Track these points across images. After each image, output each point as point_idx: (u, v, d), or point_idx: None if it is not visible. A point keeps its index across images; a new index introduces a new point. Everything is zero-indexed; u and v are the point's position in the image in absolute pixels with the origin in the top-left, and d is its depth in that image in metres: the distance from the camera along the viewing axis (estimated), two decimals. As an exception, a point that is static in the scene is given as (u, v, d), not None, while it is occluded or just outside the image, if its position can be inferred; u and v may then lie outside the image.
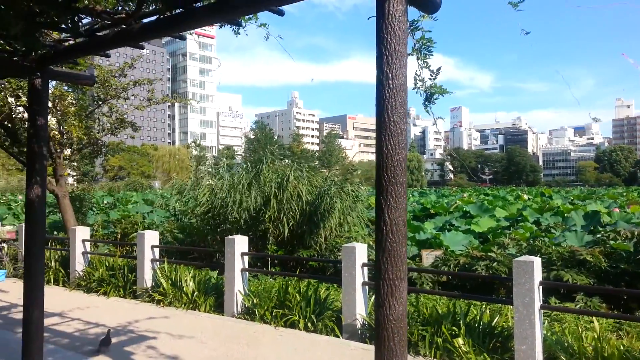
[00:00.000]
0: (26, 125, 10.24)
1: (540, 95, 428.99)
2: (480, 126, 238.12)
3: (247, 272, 7.87)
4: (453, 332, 5.65)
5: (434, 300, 7.26)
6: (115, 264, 9.54)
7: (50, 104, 11.39)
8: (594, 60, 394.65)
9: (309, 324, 6.72)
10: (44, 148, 4.68)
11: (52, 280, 10.14)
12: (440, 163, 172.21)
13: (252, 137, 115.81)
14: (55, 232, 14.61)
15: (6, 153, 13.23)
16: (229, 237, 7.87)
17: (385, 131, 2.74)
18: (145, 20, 3.96)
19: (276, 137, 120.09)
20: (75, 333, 6.70)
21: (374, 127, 2.93)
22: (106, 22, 4.02)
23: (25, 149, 10.03)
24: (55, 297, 8.63)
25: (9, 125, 11.92)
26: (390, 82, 2.72)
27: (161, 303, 8.17)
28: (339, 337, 6.43)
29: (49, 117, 10.77)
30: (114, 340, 6.04)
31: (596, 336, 5.16)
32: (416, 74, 4.02)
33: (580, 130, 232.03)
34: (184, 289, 8.13)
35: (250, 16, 4.23)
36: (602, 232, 10.18)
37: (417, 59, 3.97)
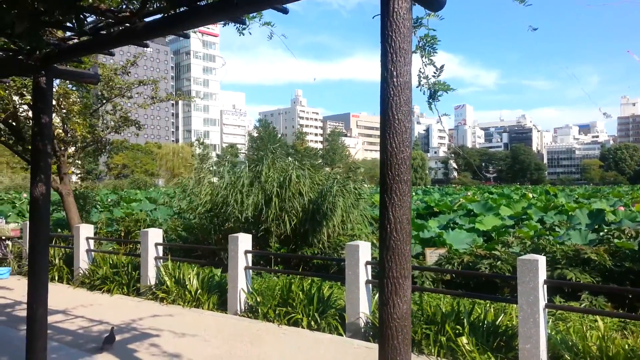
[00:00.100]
0: (30, 124, 10.30)
1: (545, 93, 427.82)
2: (484, 124, 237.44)
3: (251, 270, 7.88)
4: (457, 331, 5.64)
5: (437, 299, 7.25)
6: (119, 262, 9.56)
7: (54, 102, 11.43)
8: (598, 57, 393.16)
9: (312, 323, 6.71)
10: (48, 146, 4.69)
11: (56, 278, 10.18)
12: (444, 161, 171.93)
13: (256, 135, 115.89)
14: (59, 230, 14.66)
15: (11, 151, 13.27)
16: (233, 235, 7.87)
17: (389, 129, 2.73)
18: (149, 19, 3.96)
19: (280, 136, 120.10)
20: (79, 330, 6.72)
21: (377, 126, 2.92)
22: (110, 20, 4.02)
23: (29, 147, 10.07)
24: (59, 295, 8.67)
25: (14, 123, 11.96)
26: (394, 79, 2.71)
27: (165, 301, 8.18)
28: (342, 335, 6.43)
29: (53, 115, 10.81)
30: (117, 337, 6.05)
31: (601, 335, 5.14)
32: (420, 72, 4.01)
33: (585, 128, 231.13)
34: (188, 287, 8.14)
35: (254, 14, 4.23)
36: (606, 231, 10.15)
37: (421, 57, 3.95)
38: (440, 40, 3.81)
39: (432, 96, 4.06)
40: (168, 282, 8.35)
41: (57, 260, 10.51)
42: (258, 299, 7.39)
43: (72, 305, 8.10)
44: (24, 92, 10.86)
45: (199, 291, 8.05)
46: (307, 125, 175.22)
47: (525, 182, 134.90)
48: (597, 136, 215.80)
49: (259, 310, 7.21)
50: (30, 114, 11.39)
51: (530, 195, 33.02)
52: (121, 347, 5.96)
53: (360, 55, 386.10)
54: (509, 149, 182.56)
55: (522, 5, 3.83)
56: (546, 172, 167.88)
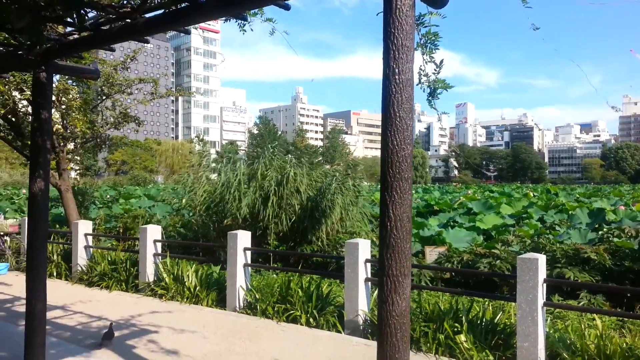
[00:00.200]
0: (30, 119, 10.28)
1: (547, 91, 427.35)
2: (485, 122, 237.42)
3: (250, 268, 7.88)
4: (455, 329, 5.64)
5: (436, 297, 7.25)
6: (117, 258, 9.56)
7: (54, 98, 11.41)
8: (600, 57, 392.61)
9: (311, 320, 6.72)
10: (48, 142, 4.68)
11: (55, 274, 10.17)
12: (444, 159, 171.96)
13: (256, 132, 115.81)
14: (57, 226, 14.66)
15: (10, 147, 13.26)
16: (232, 232, 7.87)
17: (391, 127, 2.72)
18: (150, 15, 3.95)
19: (280, 133, 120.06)
20: (78, 326, 6.72)
21: (378, 123, 2.92)
22: (111, 16, 4.01)
23: (28, 143, 10.05)
24: (57, 291, 8.66)
25: (13, 119, 11.95)
26: (396, 77, 2.70)
27: (163, 297, 8.19)
28: (340, 332, 6.43)
29: (53, 111, 10.79)
30: (116, 333, 6.05)
31: (599, 334, 5.14)
32: (420, 69, 4.01)
33: (586, 127, 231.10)
34: (186, 283, 8.14)
35: (256, 10, 4.22)
36: (606, 230, 10.15)
37: (423, 54, 3.95)
38: (442, 37, 3.81)
39: (432, 94, 4.06)
40: (167, 279, 8.35)
41: (55, 257, 10.51)
42: (257, 296, 7.39)
43: (70, 301, 8.10)
44: (24, 88, 10.84)
45: (197, 288, 8.06)
46: (307, 123, 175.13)
47: (526, 181, 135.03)
48: (599, 135, 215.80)
49: (258, 307, 7.21)
50: (29, 109, 11.37)
51: (531, 194, 33.04)
52: (120, 343, 5.96)
53: (362, 52, 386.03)
54: (510, 147, 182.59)
55: (523, 5, 3.83)
56: (547, 171, 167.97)
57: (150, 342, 6.03)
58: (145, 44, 5.01)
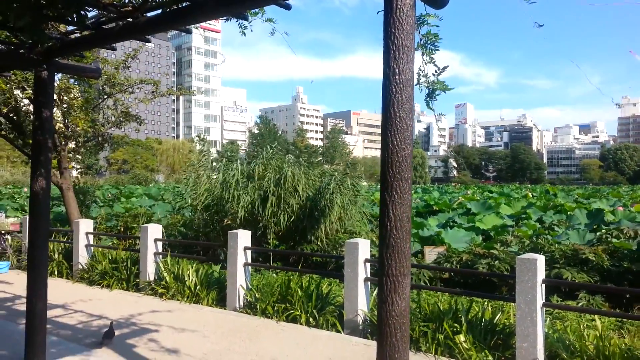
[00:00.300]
0: (31, 118, 10.29)
1: (546, 92, 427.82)
2: (485, 123, 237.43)
3: (250, 267, 7.89)
4: (455, 329, 5.66)
5: (435, 297, 7.26)
6: (118, 257, 9.57)
7: (55, 97, 11.41)
8: (599, 57, 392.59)
9: (311, 319, 6.73)
10: (49, 140, 4.70)
11: (56, 273, 10.18)
12: (444, 160, 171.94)
13: (256, 131, 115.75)
14: (59, 225, 14.67)
15: (11, 145, 13.26)
16: (232, 231, 7.88)
17: (391, 127, 2.74)
18: (151, 14, 3.96)
19: (280, 132, 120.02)
20: (78, 325, 6.73)
21: (378, 123, 2.94)
22: (113, 14, 4.02)
23: (30, 142, 10.06)
24: (58, 289, 8.68)
25: (15, 117, 11.95)
26: (397, 77, 2.71)
27: (164, 296, 8.20)
28: (340, 332, 6.44)
29: (54, 109, 10.80)
30: (116, 332, 6.06)
31: (598, 335, 5.15)
32: (420, 70, 4.01)
33: (585, 128, 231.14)
34: (187, 282, 8.15)
35: (257, 10, 4.23)
36: (605, 231, 10.15)
37: (422, 54, 3.96)
38: (442, 39, 3.81)
39: (430, 95, 4.06)
40: (167, 278, 8.37)
41: (56, 255, 10.52)
42: (257, 296, 7.41)
43: (71, 299, 8.12)
44: (25, 86, 10.85)
45: (198, 287, 8.07)
46: (307, 123, 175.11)
47: (525, 182, 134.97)
48: (597, 136, 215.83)
49: (258, 307, 7.22)
50: (31, 108, 11.38)
51: (530, 194, 33.04)
52: (120, 342, 5.97)
53: (362, 52, 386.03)
54: (509, 148, 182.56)
55: (525, 4, 3.83)
56: (546, 172, 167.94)
57: (151, 341, 6.04)
58: (147, 43, 5.03)
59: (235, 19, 4.20)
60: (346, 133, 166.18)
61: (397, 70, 2.71)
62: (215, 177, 11.14)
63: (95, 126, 12.89)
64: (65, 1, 3.56)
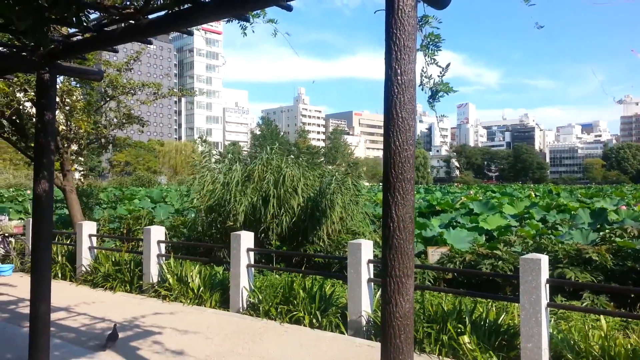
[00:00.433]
0: (34, 120, 10.31)
1: (548, 92, 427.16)
2: (487, 123, 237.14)
3: (253, 268, 7.88)
4: (459, 330, 5.64)
5: (439, 298, 7.25)
6: (121, 259, 9.58)
7: (58, 99, 11.44)
8: (601, 57, 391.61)
9: (314, 321, 6.72)
10: (52, 143, 4.70)
11: (59, 275, 10.20)
12: (446, 160, 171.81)
13: (258, 132, 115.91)
14: (62, 227, 14.69)
15: (14, 148, 13.30)
16: (235, 233, 7.88)
17: (393, 127, 2.73)
18: (153, 16, 3.96)
19: (282, 133, 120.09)
20: (82, 328, 6.74)
21: (380, 124, 2.92)
22: (114, 17, 4.02)
23: (32, 144, 10.07)
24: (61, 292, 8.69)
25: (17, 120, 11.99)
26: (399, 77, 2.71)
27: (167, 298, 8.20)
28: (344, 333, 6.43)
29: (57, 112, 10.82)
30: (120, 335, 6.06)
31: (603, 335, 5.13)
32: (422, 71, 4.01)
33: (588, 128, 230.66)
34: (190, 284, 8.15)
35: (258, 11, 4.23)
36: (608, 230, 10.11)
37: (425, 56, 3.95)
38: (445, 39, 3.81)
39: (433, 97, 4.05)
40: (170, 280, 8.37)
41: (59, 257, 10.54)
42: (260, 297, 7.40)
43: (74, 302, 8.12)
44: (27, 88, 10.88)
45: (201, 289, 8.07)
46: (309, 123, 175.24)
47: (528, 181, 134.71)
48: (600, 135, 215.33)
49: (261, 308, 7.21)
50: (33, 110, 11.40)
51: (534, 194, 32.98)
52: (124, 344, 5.97)
53: (363, 53, 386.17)
54: (511, 147, 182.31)
55: (526, 5, 3.82)
56: (548, 171, 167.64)
57: (154, 344, 6.04)
58: (148, 45, 5.03)
59: (237, 21, 4.20)
60: (348, 134, 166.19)
61: (399, 70, 2.70)
62: (216, 178, 11.13)
63: (98, 128, 12.92)
64: (67, 4, 3.56)
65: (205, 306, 7.83)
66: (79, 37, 4.67)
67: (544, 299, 5.14)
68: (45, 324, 4.64)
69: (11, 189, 49.39)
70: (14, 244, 11.76)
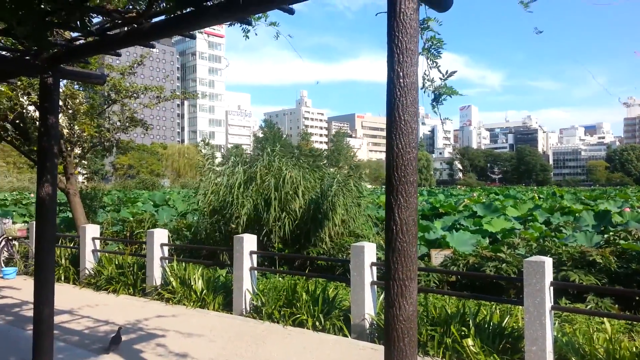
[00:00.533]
0: (37, 124, 10.35)
1: (551, 93, 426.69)
2: (489, 125, 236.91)
3: (256, 271, 7.88)
4: (462, 333, 5.62)
5: (442, 300, 7.22)
6: (124, 262, 9.59)
7: (61, 103, 11.48)
8: (605, 58, 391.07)
9: (317, 323, 6.70)
10: (55, 146, 4.71)
11: (63, 278, 10.21)
12: (449, 162, 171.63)
13: (261, 135, 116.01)
14: (65, 230, 14.72)
15: (18, 151, 13.35)
16: (238, 235, 7.88)
17: (395, 130, 2.72)
18: (155, 19, 3.97)
19: (285, 136, 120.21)
20: (85, 331, 6.74)
21: (382, 126, 2.92)
22: (117, 21, 4.03)
23: (35, 147, 10.11)
24: (65, 295, 8.70)
25: (21, 124, 12.03)
26: (401, 80, 2.70)
27: (170, 301, 8.20)
28: (347, 336, 6.42)
29: (60, 115, 10.86)
30: (124, 338, 6.06)
31: (608, 337, 5.10)
32: (425, 74, 4.00)
33: (591, 129, 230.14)
34: (193, 287, 8.15)
35: (260, 15, 4.23)
36: (612, 232, 10.07)
37: (427, 59, 3.95)
38: (446, 43, 3.81)
39: (437, 99, 4.05)
40: (174, 283, 8.37)
41: (63, 261, 10.55)
42: (263, 300, 7.39)
43: (78, 305, 8.13)
44: (30, 92, 10.93)
45: (204, 291, 8.06)
46: (312, 126, 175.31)
47: (531, 183, 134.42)
48: (603, 137, 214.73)
49: (264, 311, 7.21)
50: (36, 114, 11.45)
51: (537, 196, 32.88)
52: (127, 347, 5.97)
53: (366, 56, 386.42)
54: (514, 150, 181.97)
55: (525, 10, 3.82)
56: (552, 173, 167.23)
57: (158, 346, 6.04)
58: (151, 49, 5.04)
59: (239, 24, 4.21)
60: (350, 136, 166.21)
61: (401, 73, 2.70)
62: (219, 180, 11.13)
63: (101, 131, 12.96)
64: (70, 8, 3.58)
65: (208, 309, 7.83)
66: (82, 41, 4.69)
67: (548, 302, 5.12)
68: (49, 327, 4.65)
69: (15, 192, 49.53)
70: (17, 247, 11.79)
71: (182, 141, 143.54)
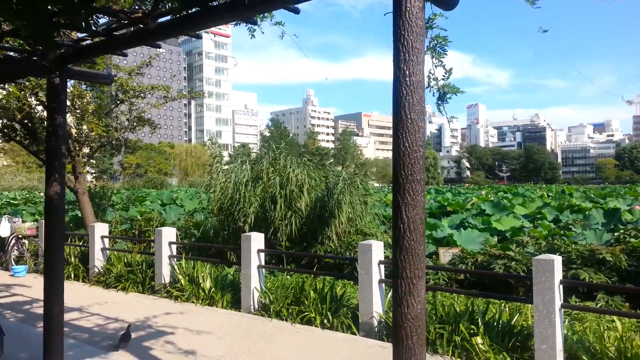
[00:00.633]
0: (45, 124, 10.44)
1: (559, 92, 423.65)
2: (497, 123, 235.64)
3: (264, 269, 7.90)
4: (471, 331, 5.60)
5: (451, 299, 7.20)
6: (133, 260, 9.65)
7: (68, 103, 11.56)
8: (615, 56, 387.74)
9: (325, 321, 6.71)
10: (63, 146, 4.74)
11: (72, 276, 10.29)
12: (456, 160, 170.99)
13: (268, 134, 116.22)
14: (75, 229, 14.82)
15: (26, 151, 13.45)
16: (245, 234, 7.90)
17: (402, 128, 2.71)
18: (161, 19, 3.98)
19: (291, 135, 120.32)
20: (95, 328, 6.79)
21: (389, 125, 2.91)
22: (123, 21, 4.05)
23: (44, 147, 10.19)
24: (75, 293, 8.76)
25: (29, 123, 12.13)
26: (407, 79, 2.69)
27: (179, 299, 8.24)
28: (355, 334, 6.42)
29: (68, 115, 10.94)
30: (133, 335, 6.09)
31: (619, 336, 5.06)
32: (430, 73, 3.99)
33: (599, 127, 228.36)
34: (202, 285, 8.19)
35: (266, 14, 4.23)
36: (622, 230, 9.99)
37: (432, 57, 3.94)
38: (452, 42, 3.80)
39: (442, 98, 4.04)
40: (182, 281, 8.41)
41: (72, 259, 10.64)
42: (271, 298, 7.41)
43: (87, 303, 8.19)
44: (38, 92, 11.01)
45: (212, 289, 8.10)
46: (318, 125, 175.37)
47: (539, 182, 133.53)
48: (612, 135, 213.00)
49: (272, 309, 7.22)
50: (44, 114, 11.53)
51: (546, 194, 32.67)
52: (137, 344, 6.01)
53: (372, 54, 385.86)
54: (522, 148, 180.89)
55: (532, 7, 3.80)
56: (560, 171, 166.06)
57: (167, 344, 6.08)
58: (158, 50, 5.06)
59: (245, 23, 4.21)
60: (357, 135, 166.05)
61: (407, 72, 2.69)
62: (227, 178, 11.16)
63: (109, 131, 13.03)
64: (77, 9, 3.59)
65: (216, 307, 7.86)
66: (89, 42, 4.71)
67: (558, 300, 5.09)
68: (59, 324, 4.68)
69: (24, 191, 49.93)
70: (27, 245, 11.89)
71: (190, 140, 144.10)
